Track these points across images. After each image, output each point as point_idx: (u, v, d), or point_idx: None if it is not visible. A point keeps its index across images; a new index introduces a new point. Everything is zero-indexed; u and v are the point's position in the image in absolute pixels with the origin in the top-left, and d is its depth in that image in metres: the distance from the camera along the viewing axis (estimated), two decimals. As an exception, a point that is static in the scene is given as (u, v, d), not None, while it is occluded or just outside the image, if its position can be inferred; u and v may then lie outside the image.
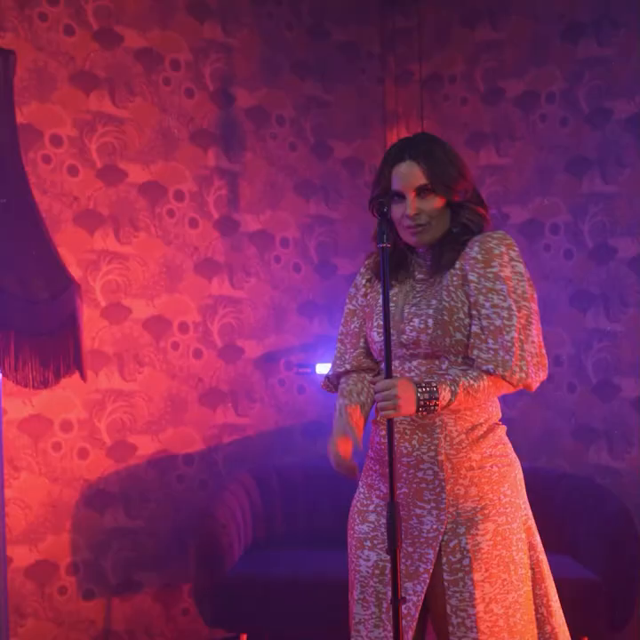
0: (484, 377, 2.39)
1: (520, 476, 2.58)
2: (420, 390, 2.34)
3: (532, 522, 2.58)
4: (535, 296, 2.46)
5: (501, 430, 2.54)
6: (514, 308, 2.39)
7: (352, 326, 2.67)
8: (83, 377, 3.28)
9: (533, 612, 2.50)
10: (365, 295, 2.66)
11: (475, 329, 2.41)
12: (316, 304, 5.00)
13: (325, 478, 4.38)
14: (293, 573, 3.86)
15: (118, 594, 4.33)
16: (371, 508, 2.57)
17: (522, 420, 4.75)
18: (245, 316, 4.76)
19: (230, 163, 4.74)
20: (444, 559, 2.43)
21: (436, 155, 2.48)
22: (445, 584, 2.42)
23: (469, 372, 2.41)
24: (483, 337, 2.40)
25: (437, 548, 2.44)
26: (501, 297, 2.40)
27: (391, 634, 2.42)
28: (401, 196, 2.48)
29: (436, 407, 2.35)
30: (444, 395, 2.35)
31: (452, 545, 2.44)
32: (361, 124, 5.21)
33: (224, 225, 4.71)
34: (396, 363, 2.50)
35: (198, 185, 4.62)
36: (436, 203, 2.47)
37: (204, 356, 4.62)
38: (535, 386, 2.43)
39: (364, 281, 2.68)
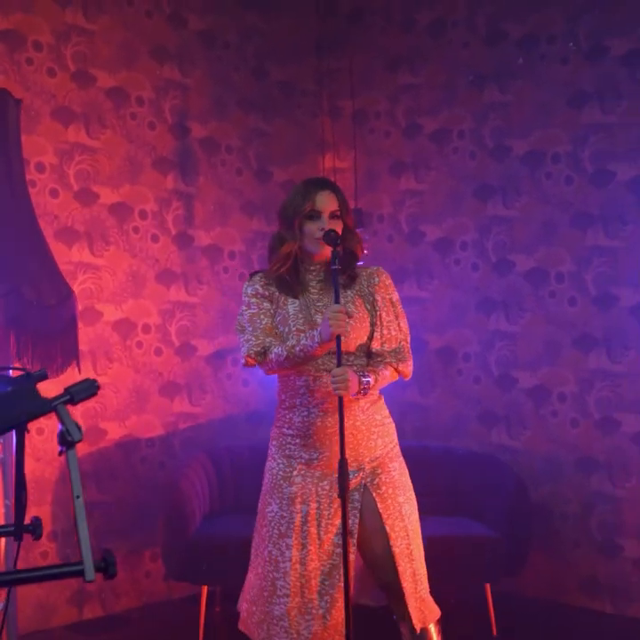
0: (389, 368, 3.32)
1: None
2: (360, 377, 3.20)
3: None
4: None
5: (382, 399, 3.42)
6: (401, 323, 3.36)
7: (263, 323, 3.28)
8: (79, 370, 3.95)
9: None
10: (271, 302, 3.32)
11: (377, 335, 3.32)
12: (259, 309, 5.72)
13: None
14: (246, 534, 4.56)
15: (91, 559, 4.99)
16: (294, 473, 3.30)
17: (436, 407, 5.56)
18: (199, 318, 5.46)
19: (186, 186, 5.43)
20: (374, 494, 3.25)
21: (341, 191, 3.38)
22: (380, 511, 3.23)
23: (379, 364, 3.31)
24: (385, 341, 3.32)
25: (362, 491, 3.25)
26: (394, 315, 3.35)
27: (338, 560, 3.21)
28: (317, 217, 3.27)
29: (368, 389, 3.23)
30: (371, 380, 3.23)
31: (376, 482, 3.27)
32: (297, 153, 5.94)
33: (181, 240, 5.40)
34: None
35: (159, 205, 5.30)
36: (340, 225, 3.30)
37: (164, 354, 5.31)
38: (410, 375, 3.41)
39: (267, 293, 3.33)
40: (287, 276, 3.33)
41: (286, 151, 5.89)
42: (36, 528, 2.46)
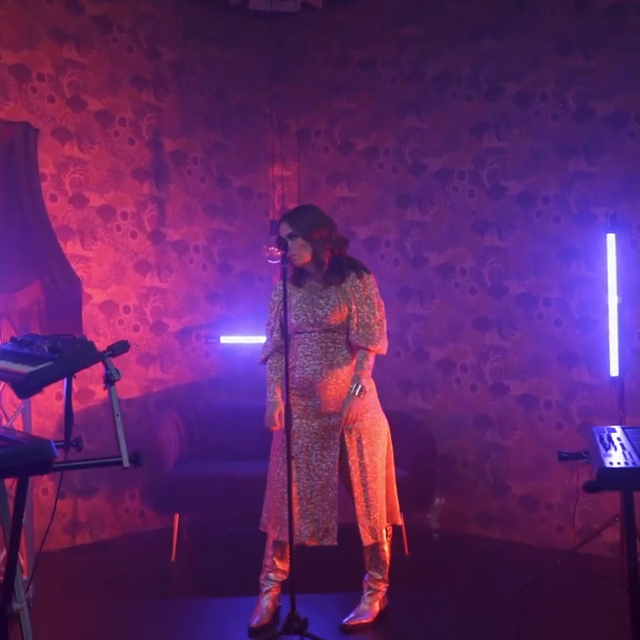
0: (365, 353, 4.44)
1: (376, 392, 4.56)
2: (355, 394, 4.38)
3: (386, 421, 4.60)
4: (381, 300, 4.54)
5: None
6: (376, 312, 4.45)
7: (273, 324, 4.57)
8: (82, 340, 5.06)
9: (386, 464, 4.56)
10: (278, 304, 4.51)
11: (353, 322, 4.42)
12: (218, 294, 6.87)
13: (228, 414, 6.35)
14: (208, 473, 5.73)
15: (81, 495, 6.13)
16: (294, 416, 4.43)
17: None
18: (169, 301, 6.59)
19: (159, 191, 6.54)
20: (346, 436, 4.42)
21: (298, 219, 4.49)
22: (347, 448, 4.41)
23: (360, 360, 4.43)
24: (359, 327, 4.41)
25: (341, 430, 4.40)
26: (370, 306, 4.44)
27: (320, 481, 4.40)
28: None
29: (365, 389, 4.40)
30: (363, 384, 4.38)
31: (349, 427, 4.42)
32: (251, 163, 7.08)
33: (154, 236, 6.51)
34: (306, 335, 4.44)
35: (137, 208, 6.42)
36: (297, 243, 4.44)
37: (141, 330, 6.44)
38: (384, 351, 4.51)
39: (277, 299, 4.55)
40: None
41: (242, 162, 7.03)
42: (78, 443, 3.60)
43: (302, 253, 4.45)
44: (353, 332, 4.44)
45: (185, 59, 6.69)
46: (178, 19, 6.64)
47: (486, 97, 6.16)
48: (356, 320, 4.43)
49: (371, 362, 4.46)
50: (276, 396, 4.54)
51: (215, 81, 6.87)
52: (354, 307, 4.44)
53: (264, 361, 4.65)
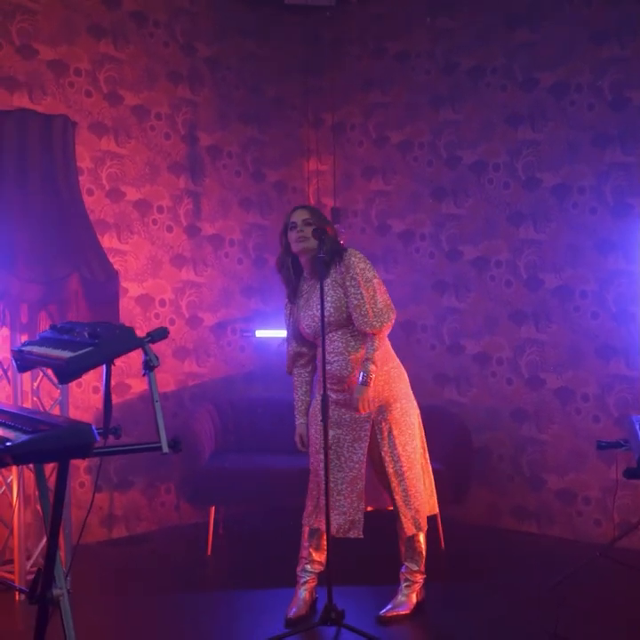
0: (371, 337, 4.37)
1: (408, 379, 4.55)
2: (362, 384, 4.33)
3: (417, 409, 4.59)
4: (375, 273, 4.45)
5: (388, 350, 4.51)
6: (363, 291, 4.33)
7: (289, 333, 4.65)
8: (119, 332, 5.08)
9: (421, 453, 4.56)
10: (290, 316, 4.61)
11: (351, 310, 4.37)
12: (254, 288, 6.89)
13: (263, 407, 6.36)
14: (244, 466, 5.75)
15: (118, 489, 6.16)
16: (331, 406, 4.41)
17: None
18: (204, 295, 6.62)
19: (195, 185, 6.57)
20: (376, 428, 4.42)
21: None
22: (378, 440, 4.41)
23: (368, 346, 4.36)
24: (356, 314, 4.35)
25: (371, 423, 4.41)
26: (355, 287, 4.34)
27: (351, 473, 4.42)
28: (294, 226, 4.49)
29: (372, 375, 4.33)
30: (371, 369, 4.31)
31: (379, 419, 4.43)
32: (286, 157, 7.10)
33: (190, 230, 6.54)
34: (328, 336, 4.39)
35: (173, 202, 6.45)
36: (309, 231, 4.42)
37: (176, 324, 6.47)
38: (389, 326, 4.39)
39: (287, 311, 4.63)
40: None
41: (277, 156, 7.05)
42: (117, 430, 3.62)
43: (309, 240, 4.39)
44: (354, 321, 4.38)
45: (220, 53, 6.71)
46: (213, 13, 6.66)
47: (521, 88, 6.13)
48: (351, 307, 4.36)
49: (377, 343, 4.36)
50: (299, 419, 4.66)
51: (250, 75, 6.89)
52: (345, 294, 4.37)
53: (290, 372, 4.74)
